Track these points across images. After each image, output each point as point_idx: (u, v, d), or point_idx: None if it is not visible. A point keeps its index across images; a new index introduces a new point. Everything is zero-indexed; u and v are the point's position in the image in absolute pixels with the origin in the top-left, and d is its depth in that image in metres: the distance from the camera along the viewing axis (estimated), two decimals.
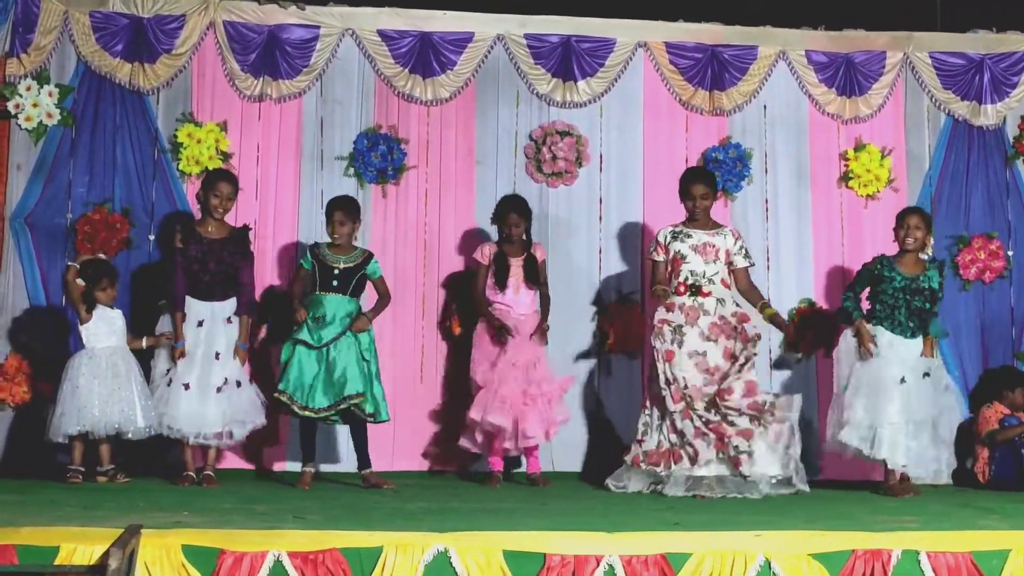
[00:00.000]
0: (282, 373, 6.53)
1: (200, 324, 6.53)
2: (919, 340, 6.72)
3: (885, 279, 6.67)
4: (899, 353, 6.64)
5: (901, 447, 6.55)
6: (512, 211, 7.01)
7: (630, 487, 6.51)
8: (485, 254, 7.03)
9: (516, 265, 6.97)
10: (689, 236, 6.70)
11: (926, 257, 6.88)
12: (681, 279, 6.65)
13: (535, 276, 6.98)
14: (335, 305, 6.61)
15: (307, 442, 6.60)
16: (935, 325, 6.80)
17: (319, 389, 6.48)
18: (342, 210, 6.69)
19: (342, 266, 6.65)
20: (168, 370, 6.50)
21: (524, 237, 7.03)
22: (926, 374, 6.66)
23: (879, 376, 6.59)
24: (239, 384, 6.58)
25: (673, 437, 6.48)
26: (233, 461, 7.12)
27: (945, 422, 6.73)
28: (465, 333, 7.29)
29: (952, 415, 6.83)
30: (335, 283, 6.64)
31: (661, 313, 6.64)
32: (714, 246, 6.69)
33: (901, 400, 6.56)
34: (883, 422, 6.53)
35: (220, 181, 6.66)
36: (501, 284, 6.93)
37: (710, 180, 6.88)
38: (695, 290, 6.62)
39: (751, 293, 6.85)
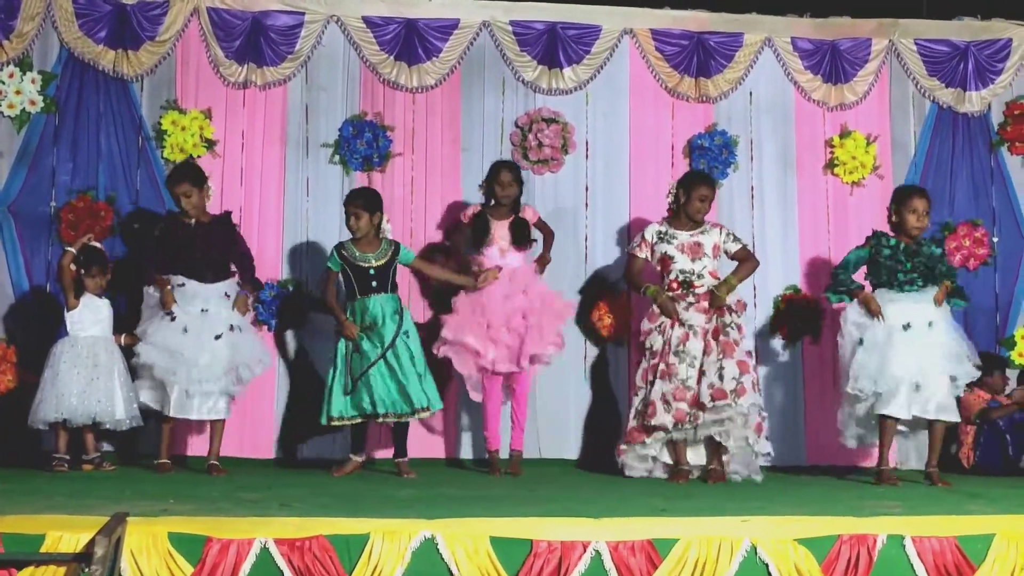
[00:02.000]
0: (334, 398, 6.38)
1: (182, 285, 6.48)
2: (928, 292, 6.51)
3: (883, 248, 6.55)
4: (903, 307, 6.45)
5: (904, 400, 6.37)
6: (504, 169, 6.93)
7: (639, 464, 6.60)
8: (467, 214, 6.98)
9: (501, 227, 6.85)
10: (674, 237, 6.70)
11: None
12: (672, 277, 6.67)
13: (523, 238, 6.87)
14: (381, 305, 6.46)
15: (361, 432, 6.53)
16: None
17: (392, 396, 6.36)
18: (352, 203, 6.53)
19: (375, 263, 6.50)
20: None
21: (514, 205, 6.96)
22: (931, 323, 6.44)
23: (883, 337, 6.41)
24: (240, 329, 6.49)
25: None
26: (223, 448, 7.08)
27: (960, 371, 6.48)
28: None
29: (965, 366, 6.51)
30: (374, 283, 6.48)
31: (647, 324, 6.66)
32: (699, 244, 6.69)
33: (906, 349, 6.37)
34: (887, 377, 6.35)
35: (176, 184, 6.57)
36: (478, 243, 6.85)
37: (714, 186, 6.90)
38: (687, 286, 6.64)
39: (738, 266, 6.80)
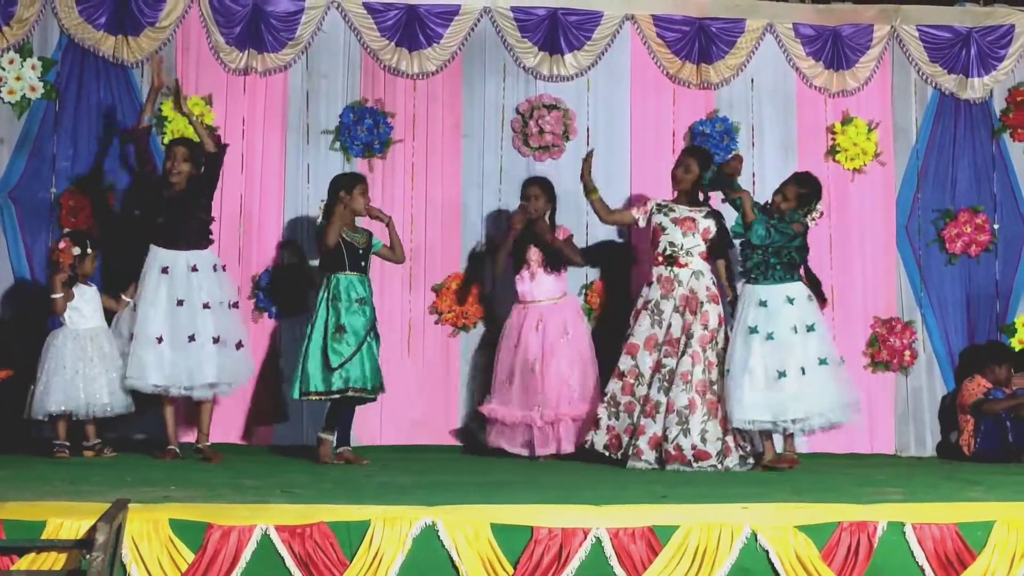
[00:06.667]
0: (312, 372, 6.40)
1: (165, 271, 6.46)
2: (786, 285, 6.52)
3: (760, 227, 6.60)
4: (765, 305, 6.51)
5: (747, 401, 6.43)
6: (531, 184, 7.03)
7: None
8: (517, 222, 6.92)
9: (535, 249, 6.93)
10: (672, 210, 6.76)
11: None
12: (659, 250, 6.71)
13: (556, 261, 6.94)
14: (367, 287, 6.61)
15: (349, 419, 6.59)
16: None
17: (367, 371, 6.48)
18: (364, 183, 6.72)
19: (363, 245, 6.65)
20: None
21: (547, 219, 7.01)
22: (795, 327, 6.47)
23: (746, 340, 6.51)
24: (240, 344, 6.57)
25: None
26: (223, 435, 7.08)
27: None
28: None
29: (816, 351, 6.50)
30: (363, 263, 6.63)
31: (644, 294, 6.71)
32: (693, 220, 6.71)
33: (759, 351, 6.45)
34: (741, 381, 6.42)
35: (175, 145, 6.68)
36: (517, 265, 6.94)
37: (694, 154, 6.89)
38: (671, 261, 6.65)
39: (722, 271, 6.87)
